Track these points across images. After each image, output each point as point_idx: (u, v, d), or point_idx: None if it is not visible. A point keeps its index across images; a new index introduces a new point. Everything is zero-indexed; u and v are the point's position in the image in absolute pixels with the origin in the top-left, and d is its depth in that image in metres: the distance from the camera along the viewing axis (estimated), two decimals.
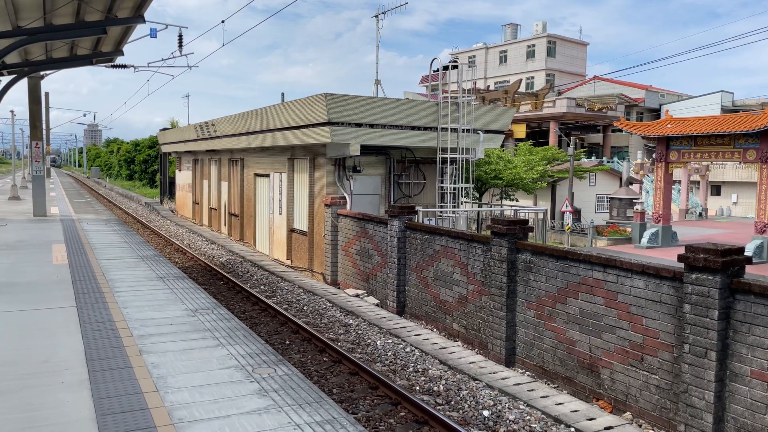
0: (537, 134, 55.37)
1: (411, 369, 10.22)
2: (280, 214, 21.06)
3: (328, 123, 15.74)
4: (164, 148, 41.19)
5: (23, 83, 22.33)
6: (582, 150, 45.85)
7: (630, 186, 37.01)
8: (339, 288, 16.65)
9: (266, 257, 21.93)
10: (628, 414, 8.42)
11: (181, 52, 23.99)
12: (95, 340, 7.38)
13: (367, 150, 17.12)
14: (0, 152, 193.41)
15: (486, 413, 8.42)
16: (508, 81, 66.16)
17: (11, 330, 7.70)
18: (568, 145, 33.90)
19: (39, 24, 15.15)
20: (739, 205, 46.27)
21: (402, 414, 8.40)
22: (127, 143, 77.63)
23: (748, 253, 17.25)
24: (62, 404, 5.50)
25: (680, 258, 7.57)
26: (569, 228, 28.61)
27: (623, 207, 33.16)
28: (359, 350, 11.26)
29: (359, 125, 16.27)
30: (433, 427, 7.94)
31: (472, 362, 10.41)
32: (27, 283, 10.46)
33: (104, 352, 6.95)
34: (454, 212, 18.23)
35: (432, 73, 19.84)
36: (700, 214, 41.01)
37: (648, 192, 40.54)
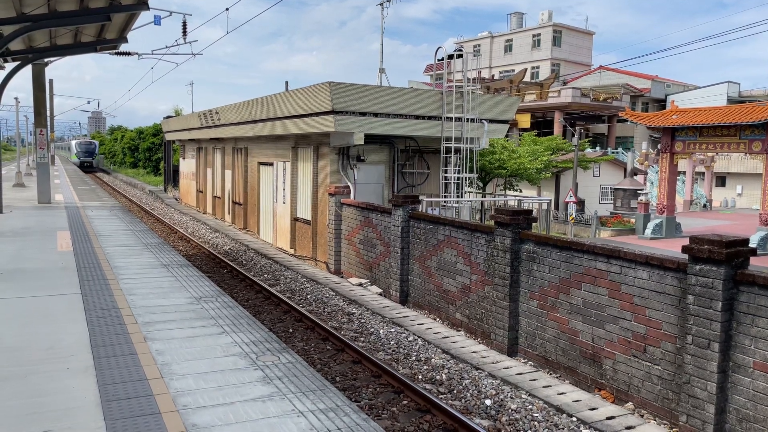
0: (541, 124, 55.15)
1: (414, 358, 10.26)
2: (284, 202, 21.07)
3: (332, 112, 15.69)
4: (168, 136, 41.17)
5: (27, 70, 22.31)
6: (587, 140, 45.63)
7: (635, 177, 36.88)
8: (342, 277, 16.69)
9: (270, 246, 21.98)
10: (630, 404, 8.45)
11: (185, 39, 23.93)
12: (100, 326, 7.42)
13: (371, 139, 17.08)
14: (4, 139, 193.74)
15: (488, 402, 8.46)
16: (513, 70, 65.76)
17: (17, 316, 7.75)
18: (573, 135, 33.79)
19: (43, 10, 15.11)
20: (744, 197, 46.09)
21: (404, 402, 8.44)
22: (131, 131, 77.53)
23: (752, 244, 17.24)
24: (68, 390, 5.54)
25: (684, 249, 7.56)
26: (573, 218, 28.57)
27: (627, 198, 33.05)
28: (362, 339, 11.31)
29: (363, 114, 16.21)
30: (435, 415, 7.98)
31: (475, 352, 10.45)
32: (32, 269, 10.51)
33: (109, 338, 6.99)
34: (457, 202, 18.21)
35: (437, 62, 19.73)
36: (705, 206, 40.87)
37: (652, 183, 40.40)
